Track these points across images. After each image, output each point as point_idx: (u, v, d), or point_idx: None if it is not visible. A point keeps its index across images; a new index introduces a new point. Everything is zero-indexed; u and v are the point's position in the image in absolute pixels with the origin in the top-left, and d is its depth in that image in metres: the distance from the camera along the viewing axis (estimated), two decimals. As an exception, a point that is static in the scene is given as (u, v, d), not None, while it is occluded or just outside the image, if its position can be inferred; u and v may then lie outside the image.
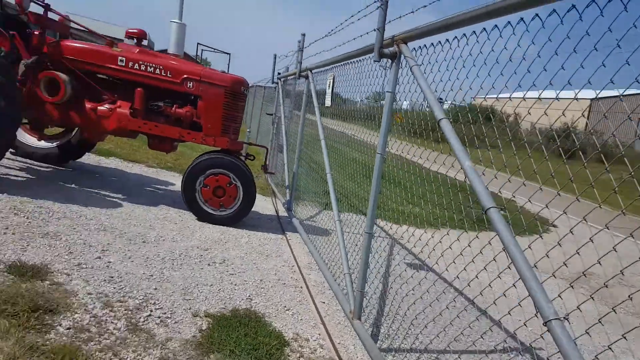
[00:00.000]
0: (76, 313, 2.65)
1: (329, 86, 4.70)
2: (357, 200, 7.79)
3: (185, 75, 4.91)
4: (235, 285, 3.60)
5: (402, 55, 2.91)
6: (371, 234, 3.17)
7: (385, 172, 5.36)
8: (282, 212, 6.41)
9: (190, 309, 3.05)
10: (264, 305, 3.40)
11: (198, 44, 16.65)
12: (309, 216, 6.04)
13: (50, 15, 5.02)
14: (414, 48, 2.89)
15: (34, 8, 4.89)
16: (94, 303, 2.80)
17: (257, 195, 5.51)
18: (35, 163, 5.73)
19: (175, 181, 6.78)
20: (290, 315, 3.37)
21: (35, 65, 4.75)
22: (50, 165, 5.80)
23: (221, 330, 2.87)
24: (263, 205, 6.59)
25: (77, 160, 6.12)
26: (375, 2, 3.22)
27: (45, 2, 4.92)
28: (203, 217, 5.00)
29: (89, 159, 6.35)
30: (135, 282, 3.21)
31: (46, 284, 2.88)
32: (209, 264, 3.88)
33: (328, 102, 4.77)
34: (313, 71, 5.45)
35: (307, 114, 5.85)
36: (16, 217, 3.82)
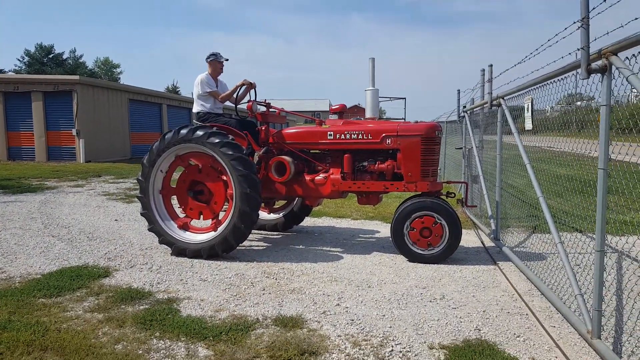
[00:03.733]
0: (333, 353, 3.17)
1: (527, 109, 4.64)
2: (568, 217, 7.27)
3: (384, 134, 5.49)
4: (460, 318, 3.79)
5: (613, 67, 2.91)
6: (603, 252, 3.09)
7: (588, 179, 5.05)
8: (488, 243, 6.38)
9: (425, 342, 3.34)
10: (493, 334, 3.51)
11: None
12: (518, 242, 5.91)
13: (270, 110, 6.18)
14: (627, 57, 2.86)
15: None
16: (345, 343, 3.30)
17: (460, 230, 5.65)
18: (268, 232, 6.87)
19: (380, 229, 7.32)
20: (522, 341, 3.41)
21: (265, 154, 5.87)
22: (278, 233, 6.89)
23: (459, 359, 3.09)
24: (466, 238, 6.66)
25: (299, 224, 7.11)
26: (574, 23, 3.31)
27: (266, 101, 6.10)
28: (414, 258, 5.34)
29: (306, 221, 7.31)
30: (372, 322, 3.66)
31: (304, 331, 3.51)
32: (430, 301, 4.15)
33: (529, 126, 4.70)
34: (505, 98, 5.48)
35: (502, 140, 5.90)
36: (268, 279, 4.69)
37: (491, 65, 5.92)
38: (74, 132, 20.45)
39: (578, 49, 3.22)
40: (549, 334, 3.52)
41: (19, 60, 72.73)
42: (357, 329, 3.54)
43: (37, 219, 7.69)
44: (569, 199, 6.45)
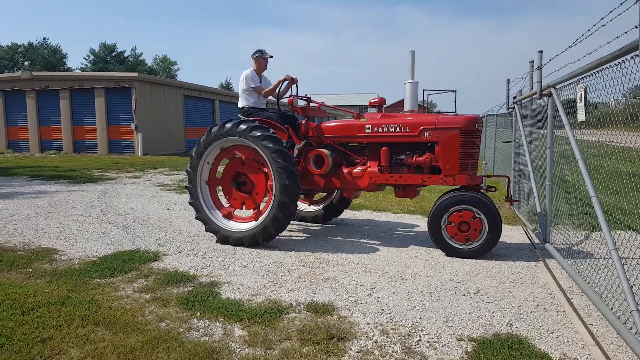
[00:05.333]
0: (361, 340, 3.27)
1: (580, 99, 4.32)
2: (625, 216, 6.97)
3: (422, 127, 5.50)
4: (493, 312, 3.79)
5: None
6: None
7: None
8: (534, 239, 6.25)
9: (454, 334, 3.38)
10: (526, 329, 3.49)
11: (424, 90, 17.57)
12: (564, 240, 5.75)
13: (311, 105, 6.33)
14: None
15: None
16: (373, 331, 3.40)
17: (504, 225, 5.57)
18: (308, 224, 7.04)
19: (419, 223, 7.31)
20: (555, 337, 3.37)
21: (304, 147, 6.04)
22: (318, 224, 7.04)
23: (486, 352, 3.11)
24: (510, 234, 6.55)
25: (338, 217, 7.23)
26: None
27: (307, 95, 6.25)
28: (451, 252, 5.33)
29: (346, 214, 7.42)
30: (402, 312, 3.73)
31: (334, 317, 3.63)
32: (464, 295, 4.16)
33: (582, 117, 4.36)
34: (557, 87, 5.17)
35: (553, 132, 5.60)
36: (304, 268, 4.85)
37: (541, 52, 5.57)
38: (132, 126, 21.53)
39: (635, 27, 2.94)
40: (589, 331, 3.45)
41: (84, 58, 77.02)
42: (386, 318, 3.63)
43: (97, 207, 8.24)
44: (630, 196, 6.17)
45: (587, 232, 6.35)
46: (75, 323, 3.42)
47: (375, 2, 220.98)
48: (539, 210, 5.97)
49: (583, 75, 4.30)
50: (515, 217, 7.69)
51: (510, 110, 8.54)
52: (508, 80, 8.25)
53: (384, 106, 6.27)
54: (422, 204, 8.60)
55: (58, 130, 22.76)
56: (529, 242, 6.21)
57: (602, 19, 3.79)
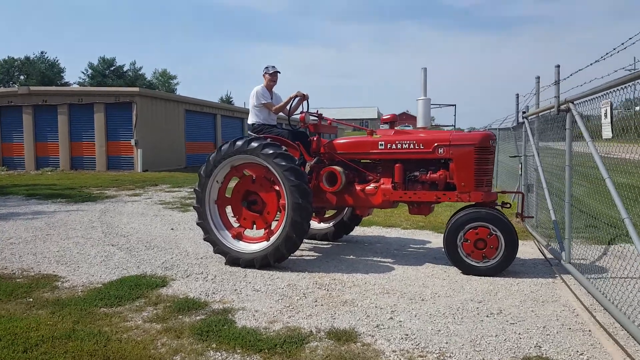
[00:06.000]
0: (387, 368, 3.13)
1: (606, 115, 4.19)
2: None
3: (436, 144, 5.40)
4: (519, 334, 3.65)
5: None
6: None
7: None
8: (547, 255, 6.13)
9: (483, 359, 3.24)
10: (555, 351, 3.36)
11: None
12: (579, 255, 5.63)
13: (322, 122, 6.23)
14: None
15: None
16: (400, 359, 3.26)
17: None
18: (318, 242, 6.90)
19: (431, 239, 7.19)
20: (586, 359, 3.24)
21: (316, 164, 5.92)
22: (329, 242, 6.90)
23: (519, 380, 2.98)
24: (523, 249, 6.41)
25: (349, 234, 7.10)
26: None
27: (318, 112, 6.16)
28: (467, 270, 5.20)
29: (355, 231, 7.27)
30: (427, 337, 3.59)
31: (358, 345, 3.48)
32: (487, 316, 4.03)
33: (608, 134, 4.18)
34: (575, 102, 5.05)
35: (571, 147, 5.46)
36: (319, 290, 4.71)
37: (558, 66, 5.45)
38: (132, 142, 21.39)
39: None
40: (623, 349, 3.32)
41: (83, 73, 77.10)
42: (412, 344, 3.49)
43: (98, 227, 8.08)
44: (631, 208, 6.09)
45: (601, 246, 6.24)
46: (84, 359, 3.26)
47: (378, 16, 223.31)
48: (556, 228, 5.77)
49: (603, 93, 4.24)
50: (526, 231, 7.57)
51: (520, 123, 8.43)
52: (517, 95, 8.21)
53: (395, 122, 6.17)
54: (431, 219, 8.47)
55: (55, 147, 22.57)
56: (543, 257, 6.09)
57: (622, 43, 3.77)
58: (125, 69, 75.96)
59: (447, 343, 3.49)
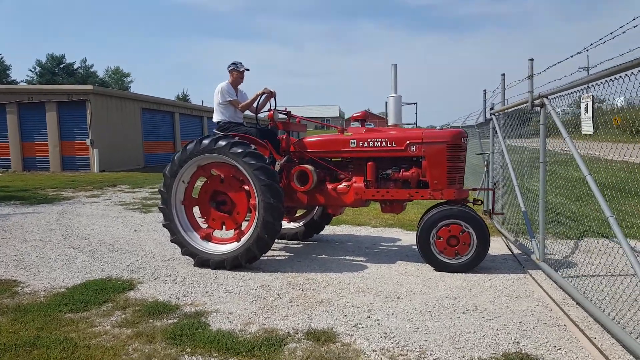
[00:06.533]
0: (369, 368, 3.07)
1: (587, 109, 4.15)
2: (591, 222, 7.15)
3: (408, 141, 5.39)
4: (496, 330, 3.68)
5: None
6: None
7: (611, 182, 4.80)
8: (515, 250, 6.26)
9: (464, 356, 3.24)
10: (533, 346, 3.39)
11: (386, 101, 17.70)
12: (550, 251, 5.76)
13: (291, 119, 6.12)
14: None
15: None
16: (381, 358, 3.21)
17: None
18: (288, 242, 6.80)
19: (400, 237, 7.21)
20: (564, 353, 3.29)
21: (286, 163, 5.81)
22: (299, 242, 6.80)
23: (500, 375, 2.98)
24: (492, 245, 6.41)
25: (319, 233, 7.02)
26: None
27: (286, 109, 6.05)
28: (441, 267, 5.23)
29: (326, 230, 7.19)
30: (407, 335, 3.56)
31: (338, 345, 3.41)
32: (463, 312, 4.04)
33: (588, 129, 4.14)
34: (550, 97, 4.96)
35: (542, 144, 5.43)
36: (294, 291, 4.61)
37: (532, 60, 5.37)
38: (88, 141, 20.58)
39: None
40: (595, 345, 3.39)
41: (30, 70, 73.70)
42: (391, 342, 3.45)
43: (57, 230, 7.69)
44: (589, 202, 6.32)
45: (569, 241, 6.42)
46: (51, 368, 3.06)
47: (334, 15, 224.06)
48: (528, 225, 5.82)
49: (580, 87, 4.25)
50: (493, 228, 7.72)
51: (488, 120, 8.48)
52: (485, 90, 8.31)
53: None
54: (399, 216, 8.49)
55: (5, 147, 21.42)
56: (511, 253, 6.21)
57: (609, 35, 3.72)
58: (75, 66, 73.16)
59: (426, 341, 3.47)
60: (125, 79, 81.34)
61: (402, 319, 3.90)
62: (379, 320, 3.87)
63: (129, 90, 63.97)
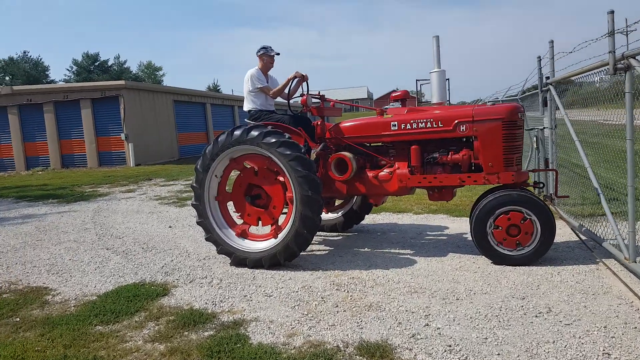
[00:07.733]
0: (434, 389, 2.63)
1: None
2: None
3: (456, 121, 4.84)
4: (579, 338, 3.15)
5: None
6: None
7: None
8: (582, 236, 5.63)
9: (546, 374, 2.75)
10: (628, 359, 2.87)
11: (416, 80, 16.85)
12: (614, 235, 5.12)
13: (325, 103, 5.65)
14: None
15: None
16: (447, 377, 2.75)
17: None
18: (327, 233, 6.38)
19: (447, 224, 6.69)
20: (669, 370, 2.76)
21: (322, 151, 5.36)
22: (338, 233, 6.37)
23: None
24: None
25: (359, 224, 6.57)
26: None
27: (320, 93, 5.58)
28: (500, 260, 4.69)
29: (365, 219, 6.73)
30: (474, 348, 3.09)
31: (394, 360, 2.98)
32: (535, 316, 3.52)
33: None
34: (638, 57, 4.02)
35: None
36: (339, 292, 4.19)
37: (612, 12, 4.26)
38: (122, 136, 20.71)
39: None
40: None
41: (67, 70, 75.84)
42: (457, 357, 2.98)
43: (91, 229, 7.53)
44: None
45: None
46: (78, 394, 2.75)
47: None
48: (608, 214, 4.96)
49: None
50: (555, 212, 7.06)
51: (544, 91, 7.48)
52: (539, 57, 7.47)
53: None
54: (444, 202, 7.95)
55: (44, 146, 21.85)
56: (576, 239, 5.59)
57: None
58: (109, 63, 74.65)
59: (499, 355, 2.99)
60: (157, 73, 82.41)
61: (465, 326, 3.42)
62: (439, 328, 3.40)
63: (162, 84, 64.75)
